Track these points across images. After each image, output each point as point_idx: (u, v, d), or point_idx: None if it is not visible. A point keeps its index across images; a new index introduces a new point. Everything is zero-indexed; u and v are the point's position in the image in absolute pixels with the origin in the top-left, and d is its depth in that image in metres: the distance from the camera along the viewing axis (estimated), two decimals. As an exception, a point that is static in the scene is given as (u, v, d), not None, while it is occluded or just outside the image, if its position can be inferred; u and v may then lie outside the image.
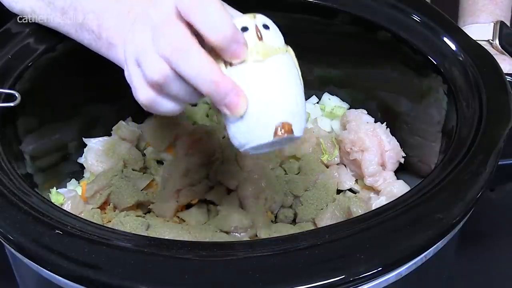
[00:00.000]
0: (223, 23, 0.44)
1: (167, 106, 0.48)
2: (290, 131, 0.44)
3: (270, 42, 0.46)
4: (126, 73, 0.49)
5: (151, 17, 0.46)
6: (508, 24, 0.88)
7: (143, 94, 0.47)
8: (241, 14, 0.50)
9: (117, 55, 0.55)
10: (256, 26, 0.46)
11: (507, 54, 0.83)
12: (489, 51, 0.76)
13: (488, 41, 0.84)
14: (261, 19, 0.47)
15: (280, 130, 0.44)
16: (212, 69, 0.44)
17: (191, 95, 0.47)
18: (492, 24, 0.85)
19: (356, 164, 0.72)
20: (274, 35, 0.47)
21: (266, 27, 0.47)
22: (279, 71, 0.46)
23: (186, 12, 0.44)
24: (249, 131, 0.45)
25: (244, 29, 0.46)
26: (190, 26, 0.44)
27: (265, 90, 0.45)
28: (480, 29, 0.85)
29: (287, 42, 0.53)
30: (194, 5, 0.43)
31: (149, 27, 0.46)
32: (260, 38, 0.45)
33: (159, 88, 0.46)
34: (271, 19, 0.50)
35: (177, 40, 0.44)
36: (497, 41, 0.83)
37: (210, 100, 0.46)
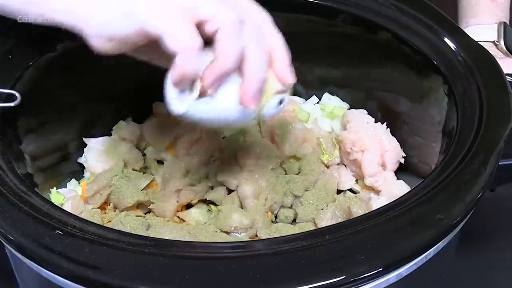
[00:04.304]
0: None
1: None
2: None
3: None
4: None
5: None
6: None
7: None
8: None
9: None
10: None
11: (512, 55, 0.83)
12: (495, 52, 0.76)
13: (493, 42, 0.83)
14: None
15: None
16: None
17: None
18: (496, 25, 0.85)
19: (356, 164, 0.72)
20: None
21: None
22: None
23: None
24: None
25: None
26: None
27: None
28: (484, 30, 0.85)
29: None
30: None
31: None
32: None
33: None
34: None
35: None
36: (502, 42, 0.83)
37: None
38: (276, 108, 0.55)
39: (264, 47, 0.52)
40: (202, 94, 0.51)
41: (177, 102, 0.52)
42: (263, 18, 0.54)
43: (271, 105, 0.54)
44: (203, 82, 0.50)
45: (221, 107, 0.52)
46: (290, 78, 0.54)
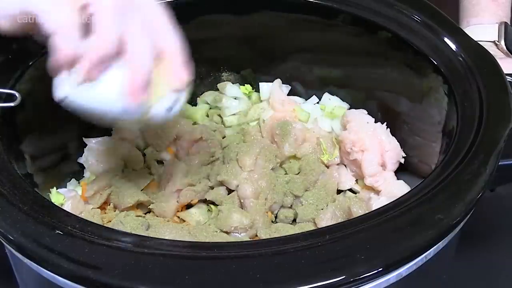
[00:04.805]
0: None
1: None
2: None
3: None
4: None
5: None
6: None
7: None
8: None
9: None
10: None
11: (514, 55, 0.82)
12: (495, 52, 0.75)
13: (494, 42, 0.84)
14: None
15: None
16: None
17: None
18: (497, 25, 0.85)
19: (356, 164, 0.72)
20: None
21: None
22: None
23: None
24: None
25: None
26: None
27: None
28: (485, 30, 0.85)
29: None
30: None
31: None
32: None
33: None
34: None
35: None
36: (503, 42, 0.83)
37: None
38: (168, 111, 0.52)
39: (152, 38, 0.50)
40: (83, 80, 0.49)
41: (60, 86, 0.50)
42: (156, 11, 0.52)
43: (161, 106, 0.52)
44: (80, 66, 0.48)
45: (103, 96, 0.50)
46: (183, 77, 0.51)
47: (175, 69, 0.51)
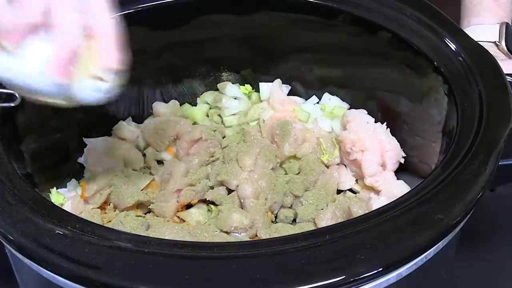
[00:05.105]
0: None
1: None
2: None
3: None
4: None
5: None
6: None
7: None
8: None
9: None
10: None
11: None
12: (495, 53, 0.75)
13: (494, 42, 0.84)
14: None
15: None
16: None
17: None
18: (498, 25, 0.85)
19: (356, 164, 0.72)
20: None
21: None
22: None
23: None
24: None
25: None
26: None
27: None
28: (486, 30, 0.85)
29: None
30: None
31: None
32: None
33: None
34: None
35: None
36: (503, 43, 0.83)
37: None
38: (94, 93, 0.50)
39: (84, 15, 0.48)
40: (4, 50, 0.48)
41: None
42: None
43: (87, 86, 0.50)
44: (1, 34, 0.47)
45: (25, 69, 0.48)
46: (113, 59, 0.49)
47: (105, 50, 0.49)
